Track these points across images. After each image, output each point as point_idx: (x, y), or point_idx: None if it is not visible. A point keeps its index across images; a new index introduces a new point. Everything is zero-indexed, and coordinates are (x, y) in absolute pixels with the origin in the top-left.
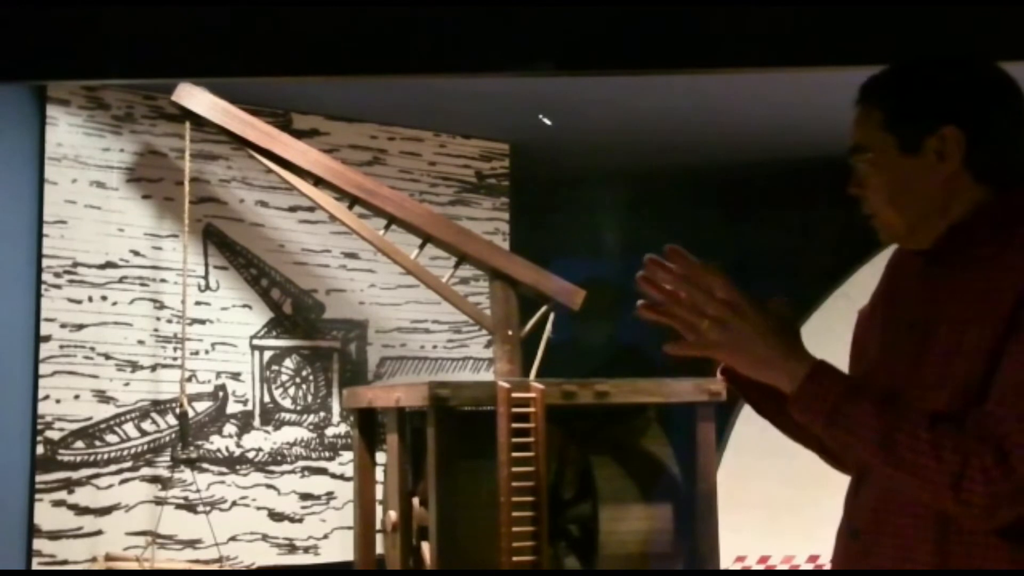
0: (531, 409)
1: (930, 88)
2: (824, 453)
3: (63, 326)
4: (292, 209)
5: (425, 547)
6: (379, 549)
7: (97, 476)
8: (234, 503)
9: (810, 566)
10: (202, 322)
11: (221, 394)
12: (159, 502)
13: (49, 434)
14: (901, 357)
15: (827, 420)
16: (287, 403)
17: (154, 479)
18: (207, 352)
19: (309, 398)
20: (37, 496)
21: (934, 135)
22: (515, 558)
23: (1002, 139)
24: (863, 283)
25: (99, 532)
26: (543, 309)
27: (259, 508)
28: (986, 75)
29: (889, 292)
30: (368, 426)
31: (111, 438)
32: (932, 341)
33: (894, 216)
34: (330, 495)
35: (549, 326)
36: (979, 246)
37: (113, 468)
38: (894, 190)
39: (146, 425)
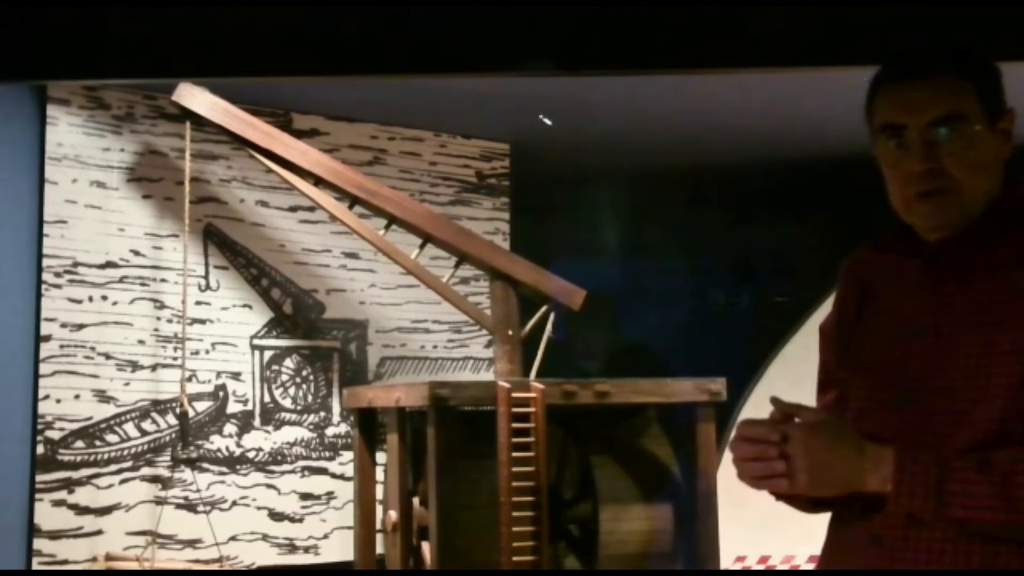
0: (531, 409)
1: (997, 69)
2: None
3: (63, 326)
4: (292, 209)
5: (425, 547)
6: (379, 549)
7: (97, 476)
8: (234, 503)
9: (810, 566)
10: (202, 322)
11: (221, 394)
12: (159, 502)
13: (49, 434)
14: (912, 364)
15: (936, 504)
16: (287, 403)
17: (154, 479)
18: (207, 352)
19: (309, 398)
20: (37, 496)
21: (1007, 114)
22: (515, 558)
23: None
24: None
25: (99, 532)
26: (543, 309)
27: (259, 508)
28: None
29: (869, 300)
30: (368, 426)
31: (111, 438)
32: (954, 345)
33: (983, 189)
34: (330, 495)
35: (549, 326)
36: (991, 244)
37: (113, 468)
38: (984, 163)
39: (146, 425)
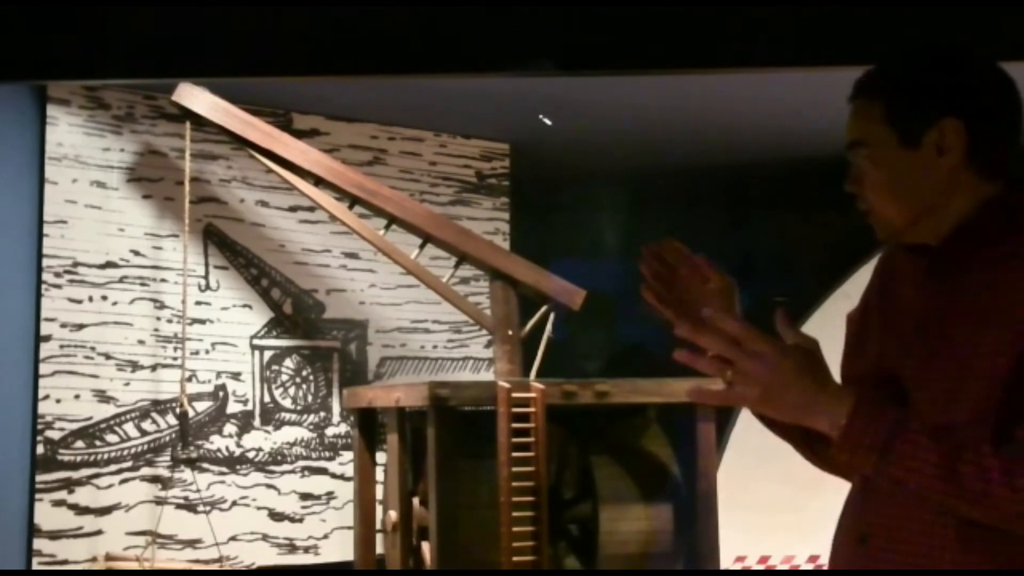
0: (531, 409)
1: (929, 79)
2: (815, 457)
3: (63, 326)
4: (292, 209)
5: (425, 547)
6: (379, 549)
7: (97, 476)
8: (234, 503)
9: (810, 566)
10: (202, 322)
11: (221, 394)
12: (159, 502)
13: (49, 434)
14: (908, 359)
15: (880, 458)
16: (287, 403)
17: (154, 479)
18: (207, 352)
19: (309, 398)
20: (37, 496)
21: (934, 127)
22: (515, 558)
23: (1003, 132)
24: (863, 283)
25: (99, 532)
26: (543, 309)
27: (259, 508)
28: (984, 67)
29: (886, 293)
30: (368, 426)
31: (111, 438)
32: (944, 342)
33: (894, 212)
34: (330, 495)
35: (549, 326)
36: (989, 244)
37: (113, 468)
38: (894, 185)
39: (146, 425)
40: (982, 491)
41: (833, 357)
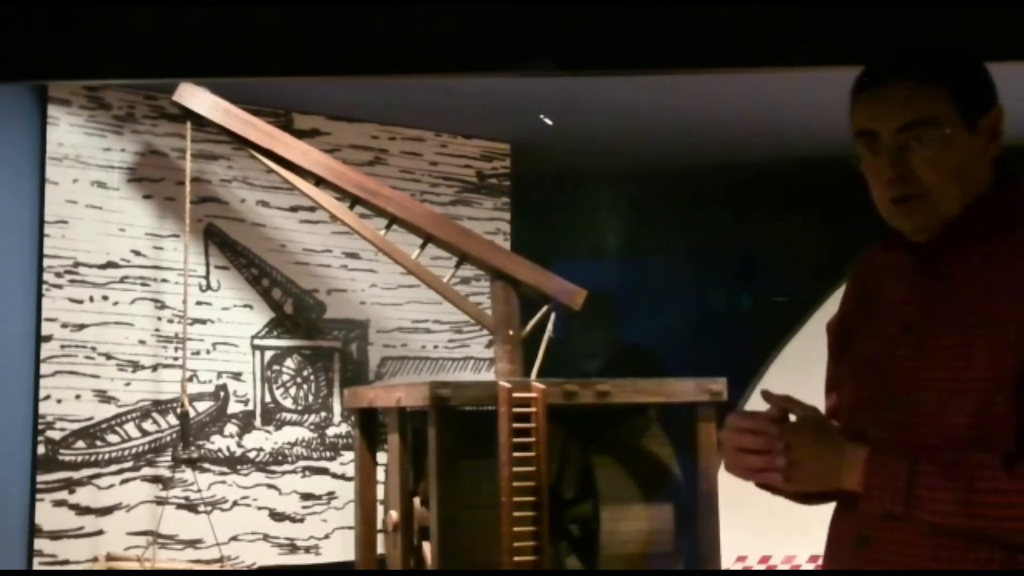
0: (532, 409)
1: (982, 68)
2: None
3: (64, 326)
4: (293, 209)
5: (426, 547)
6: (380, 549)
7: (98, 476)
8: (235, 503)
9: (811, 566)
10: (203, 322)
11: (222, 394)
12: (160, 502)
13: (50, 434)
14: (897, 362)
15: (906, 507)
16: (288, 403)
17: (155, 479)
18: (208, 352)
19: (310, 398)
20: (38, 496)
21: (989, 113)
22: (516, 558)
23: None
24: None
25: (100, 532)
26: (544, 309)
27: (260, 508)
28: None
29: (869, 295)
30: (369, 426)
31: (112, 438)
32: (934, 344)
33: (955, 194)
34: (331, 495)
35: (550, 326)
36: (976, 244)
37: (114, 468)
38: (959, 166)
39: (147, 425)
40: (1009, 515)
41: None
